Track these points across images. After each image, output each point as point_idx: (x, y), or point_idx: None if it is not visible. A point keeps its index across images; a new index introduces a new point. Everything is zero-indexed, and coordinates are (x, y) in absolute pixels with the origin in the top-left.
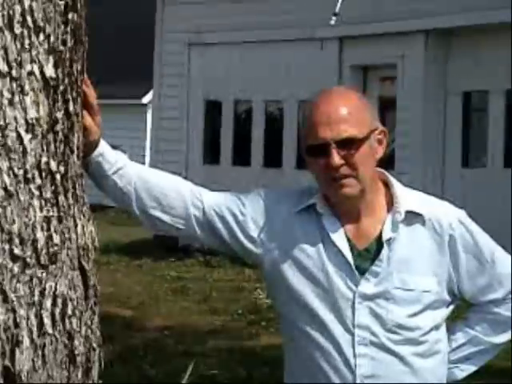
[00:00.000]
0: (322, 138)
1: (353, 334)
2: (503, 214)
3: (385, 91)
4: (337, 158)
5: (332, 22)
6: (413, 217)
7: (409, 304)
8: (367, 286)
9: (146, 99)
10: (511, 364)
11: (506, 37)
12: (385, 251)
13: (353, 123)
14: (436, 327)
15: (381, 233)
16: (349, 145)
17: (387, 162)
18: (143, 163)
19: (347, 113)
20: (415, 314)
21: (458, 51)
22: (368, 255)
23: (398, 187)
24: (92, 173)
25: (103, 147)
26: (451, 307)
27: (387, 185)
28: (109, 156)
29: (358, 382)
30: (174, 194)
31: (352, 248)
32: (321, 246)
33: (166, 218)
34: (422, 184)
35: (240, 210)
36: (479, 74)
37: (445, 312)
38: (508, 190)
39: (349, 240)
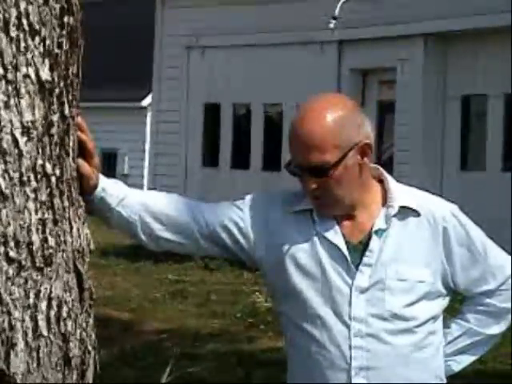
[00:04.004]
0: (296, 162)
1: (349, 327)
2: (502, 217)
3: (384, 95)
4: (309, 184)
5: (331, 26)
6: (406, 211)
7: (404, 294)
8: (363, 279)
9: (145, 102)
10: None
11: (506, 41)
12: (376, 242)
13: (324, 149)
14: (433, 318)
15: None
16: (321, 171)
17: (386, 165)
18: (142, 166)
19: (319, 139)
20: (411, 304)
21: (458, 55)
22: (362, 247)
23: (391, 182)
24: (97, 208)
25: (104, 182)
26: (447, 299)
27: (382, 181)
28: (111, 189)
29: (352, 374)
30: (176, 212)
31: (347, 242)
32: (317, 242)
33: (171, 236)
34: (421, 187)
35: (240, 216)
36: (478, 77)
37: (441, 303)
38: (506, 193)
39: (344, 235)
